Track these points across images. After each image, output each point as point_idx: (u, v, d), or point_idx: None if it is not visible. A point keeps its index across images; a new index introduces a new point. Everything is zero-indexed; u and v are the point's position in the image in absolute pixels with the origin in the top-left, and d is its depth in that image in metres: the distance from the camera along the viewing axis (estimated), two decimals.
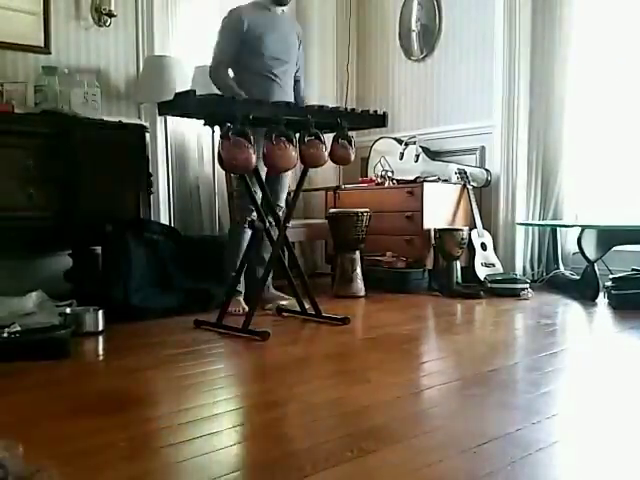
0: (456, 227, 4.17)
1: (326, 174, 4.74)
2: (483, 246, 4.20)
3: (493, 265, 4.17)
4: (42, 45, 3.69)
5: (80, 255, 3.48)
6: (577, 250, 3.77)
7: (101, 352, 2.62)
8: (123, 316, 3.02)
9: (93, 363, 2.42)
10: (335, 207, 4.47)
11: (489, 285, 3.86)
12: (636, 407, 1.81)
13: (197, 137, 4.35)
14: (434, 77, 4.77)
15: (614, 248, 3.68)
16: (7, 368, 2.20)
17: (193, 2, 4.33)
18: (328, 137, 2.99)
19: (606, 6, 4.08)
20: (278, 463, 1.39)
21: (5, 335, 2.40)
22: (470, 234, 4.15)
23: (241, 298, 3.32)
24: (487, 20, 4.39)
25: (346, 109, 3.17)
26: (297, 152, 2.84)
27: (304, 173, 3.09)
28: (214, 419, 1.71)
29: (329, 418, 1.72)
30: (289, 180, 3.67)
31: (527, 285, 3.80)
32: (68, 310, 2.87)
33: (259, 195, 3.18)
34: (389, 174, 4.50)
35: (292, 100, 3.40)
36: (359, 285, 3.89)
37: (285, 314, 3.27)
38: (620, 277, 3.46)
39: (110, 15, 3.91)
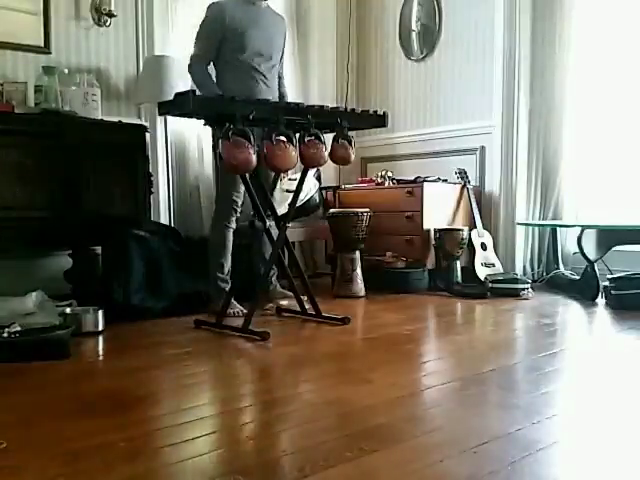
0: (456, 227, 4.17)
1: (326, 174, 4.74)
2: (483, 246, 4.20)
3: (493, 265, 4.17)
4: (42, 45, 3.69)
5: (80, 255, 3.48)
6: (577, 250, 3.77)
7: (101, 352, 2.62)
8: (123, 316, 3.02)
9: (93, 363, 2.42)
10: (335, 207, 4.47)
11: (490, 285, 3.86)
12: (636, 407, 1.81)
13: (197, 137, 4.35)
14: (434, 77, 4.77)
15: (614, 248, 3.68)
16: (7, 368, 2.20)
17: (193, 2, 4.32)
18: (328, 137, 2.99)
19: (606, 6, 4.08)
20: (278, 463, 1.39)
21: (5, 335, 2.40)
22: (470, 234, 4.15)
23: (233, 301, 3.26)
24: (487, 20, 4.39)
25: (346, 109, 3.17)
26: (297, 152, 2.84)
27: (304, 173, 3.09)
28: (214, 419, 1.71)
29: (329, 418, 1.72)
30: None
31: (528, 285, 3.80)
32: (68, 310, 2.87)
33: (241, 196, 3.25)
34: (389, 174, 4.50)
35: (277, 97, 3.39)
36: (359, 285, 3.89)
37: (285, 314, 3.27)
38: (619, 277, 3.46)
39: (110, 15, 3.91)
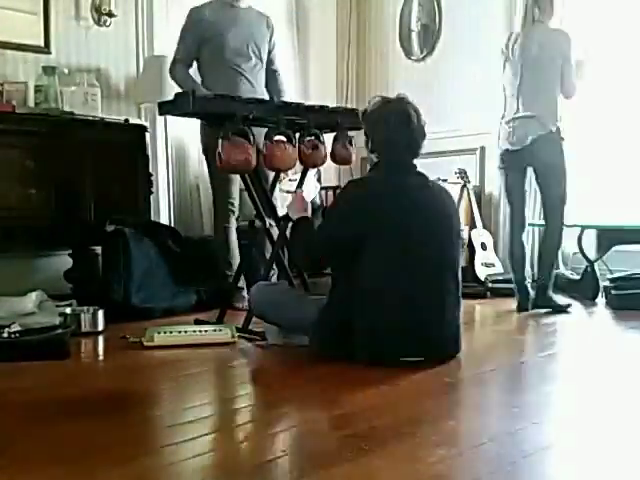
0: None
1: (326, 174, 4.74)
2: (483, 246, 4.20)
3: (493, 265, 4.17)
4: (42, 45, 3.69)
5: (80, 255, 3.48)
6: (577, 250, 3.77)
7: (101, 352, 2.62)
8: (123, 316, 3.02)
9: (92, 363, 2.42)
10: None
11: (490, 285, 3.85)
12: (636, 407, 1.81)
13: (197, 137, 4.34)
14: (434, 77, 4.76)
15: (614, 248, 3.67)
16: (6, 367, 2.20)
17: (192, 2, 4.31)
18: (328, 137, 2.98)
19: (607, 6, 4.08)
20: (278, 463, 1.39)
21: (5, 335, 2.39)
22: (470, 234, 4.15)
23: (245, 293, 3.31)
24: (487, 20, 4.38)
25: (346, 109, 3.16)
26: (297, 152, 2.84)
27: (304, 174, 3.08)
28: (214, 419, 1.71)
29: (329, 418, 1.72)
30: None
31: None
32: (68, 310, 2.87)
33: (235, 196, 3.29)
34: None
35: (263, 96, 3.38)
36: None
37: None
38: (619, 277, 3.46)
39: (110, 15, 3.91)
